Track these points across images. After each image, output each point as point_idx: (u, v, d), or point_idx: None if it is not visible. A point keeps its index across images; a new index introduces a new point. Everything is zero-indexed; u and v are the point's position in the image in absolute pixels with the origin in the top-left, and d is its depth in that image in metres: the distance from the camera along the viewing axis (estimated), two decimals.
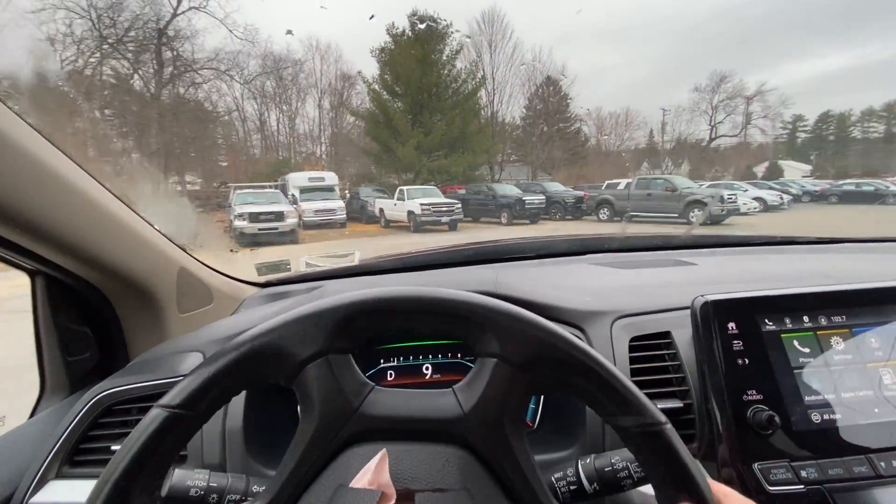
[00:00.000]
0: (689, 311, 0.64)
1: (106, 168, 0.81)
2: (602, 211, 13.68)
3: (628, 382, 0.36)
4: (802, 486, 0.54)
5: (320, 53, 23.11)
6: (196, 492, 0.42)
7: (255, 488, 0.43)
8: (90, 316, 0.79)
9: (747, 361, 0.59)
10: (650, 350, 0.67)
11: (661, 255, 1.14)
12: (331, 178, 13.85)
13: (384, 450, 0.36)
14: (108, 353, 0.82)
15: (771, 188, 16.60)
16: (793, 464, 0.55)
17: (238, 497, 0.42)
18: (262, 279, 1.10)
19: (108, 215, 0.67)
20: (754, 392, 0.58)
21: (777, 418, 0.55)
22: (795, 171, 29.80)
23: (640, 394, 0.36)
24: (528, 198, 13.03)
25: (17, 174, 0.52)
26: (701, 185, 13.96)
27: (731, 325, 0.60)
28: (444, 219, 11.47)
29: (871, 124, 53.81)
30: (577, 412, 0.64)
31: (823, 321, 0.62)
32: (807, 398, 0.58)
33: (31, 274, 0.73)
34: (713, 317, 0.60)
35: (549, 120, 27.72)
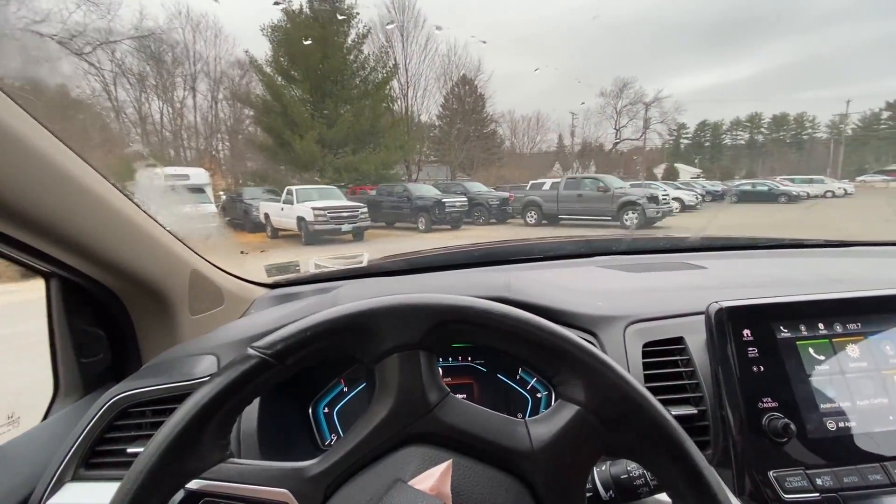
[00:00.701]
0: (701, 317, 0.66)
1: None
2: (530, 214, 13.04)
3: (714, 478, 0.36)
4: (818, 494, 0.55)
5: (192, 25, 18.69)
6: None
7: None
8: (103, 318, 0.83)
9: (762, 368, 0.60)
10: (663, 356, 0.69)
11: (669, 257, 1.19)
12: (198, 175, 10.89)
13: (451, 460, 0.37)
14: (121, 354, 0.86)
15: (678, 188, 17.55)
16: (808, 471, 0.56)
17: None
18: (272, 280, 1.13)
19: (122, 217, 0.71)
20: (770, 399, 0.59)
21: (793, 426, 0.56)
22: (686, 173, 33.58)
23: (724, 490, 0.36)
24: (448, 199, 12.05)
25: (33, 176, 0.55)
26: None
27: (746, 331, 0.62)
28: (346, 226, 10.07)
29: (738, 132, 62.03)
30: None
31: (839, 328, 0.63)
32: (822, 406, 0.59)
33: (46, 276, 0.77)
34: (728, 323, 0.62)
35: (466, 119, 27.89)
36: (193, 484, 0.38)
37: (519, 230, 12.01)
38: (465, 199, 12.38)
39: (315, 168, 16.79)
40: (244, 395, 0.38)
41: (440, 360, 0.75)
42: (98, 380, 0.83)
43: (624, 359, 0.67)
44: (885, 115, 51.92)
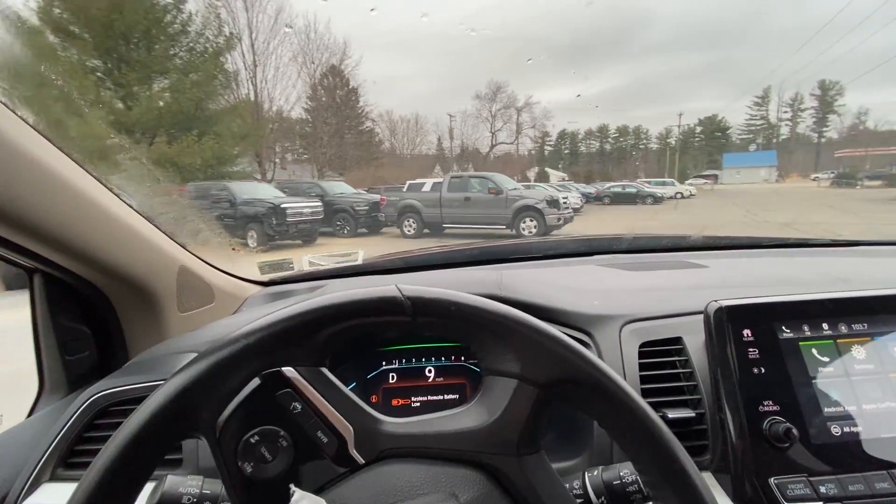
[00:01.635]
0: (701, 317, 0.66)
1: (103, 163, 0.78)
2: (407, 222, 11.06)
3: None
4: (821, 503, 0.55)
5: None
6: (189, 499, 0.43)
7: None
8: (89, 314, 0.86)
9: (763, 370, 0.60)
10: (660, 356, 0.70)
11: (670, 256, 1.20)
12: None
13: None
14: (108, 352, 0.88)
15: (559, 190, 17.58)
16: (811, 479, 0.55)
17: None
18: (265, 278, 1.15)
19: (105, 212, 0.73)
20: (771, 403, 0.58)
21: (795, 430, 0.56)
22: (555, 176, 35.99)
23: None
24: (292, 204, 9.35)
25: (12, 171, 0.57)
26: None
27: (747, 331, 0.62)
28: None
29: (591, 141, 69.70)
30: (584, 420, 0.67)
31: (844, 329, 0.63)
32: (826, 410, 0.59)
33: (29, 272, 0.80)
34: (727, 323, 0.62)
35: (337, 113, 25.42)
36: (288, 371, 0.39)
37: (396, 243, 10.38)
38: (320, 204, 10.37)
39: (107, 159, 11.50)
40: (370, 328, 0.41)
41: (433, 359, 0.79)
42: (84, 377, 0.84)
43: (619, 359, 0.67)
44: (699, 129, 61.95)
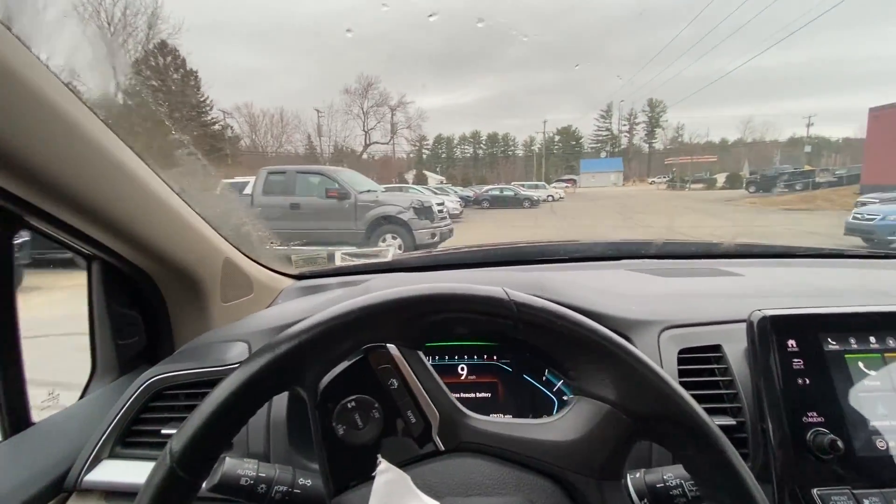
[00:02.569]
0: (740, 325, 0.66)
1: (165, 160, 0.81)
2: None
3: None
4: None
5: None
6: (246, 481, 0.44)
7: (301, 481, 0.45)
8: (140, 302, 0.90)
9: (808, 381, 0.59)
10: (699, 363, 0.69)
11: (702, 263, 1.17)
12: None
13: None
14: (155, 338, 0.92)
15: (436, 193, 15.56)
16: (854, 491, 0.55)
17: (285, 488, 0.44)
18: (299, 271, 1.17)
19: (162, 205, 0.76)
20: (815, 414, 0.58)
21: (840, 442, 0.55)
22: (434, 179, 35.16)
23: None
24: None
25: (82, 164, 0.60)
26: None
27: (791, 342, 0.61)
28: None
29: (464, 147, 71.42)
30: None
31: (892, 343, 0.62)
32: (871, 423, 0.58)
33: (88, 259, 0.84)
34: (772, 332, 0.61)
35: (170, 101, 21.16)
36: (392, 348, 0.42)
37: None
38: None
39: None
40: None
41: (465, 357, 0.80)
42: (133, 362, 0.88)
43: (658, 365, 0.69)
44: (557, 138, 67.55)
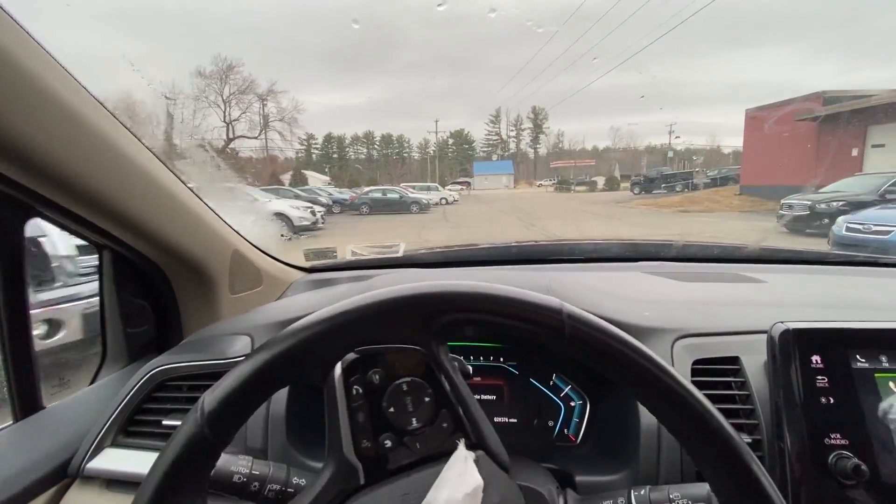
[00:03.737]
0: (760, 336, 0.62)
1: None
2: None
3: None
4: None
5: None
6: (239, 478, 0.44)
7: (295, 480, 0.45)
8: (150, 292, 0.91)
9: (832, 400, 0.56)
10: (715, 375, 0.66)
11: (722, 268, 1.12)
12: None
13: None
14: (164, 327, 0.93)
15: (297, 196, 14.27)
16: None
17: (278, 487, 0.44)
18: (309, 264, 1.18)
19: (172, 196, 0.77)
20: (839, 436, 0.54)
21: (865, 467, 0.52)
22: (317, 180, 33.23)
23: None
24: None
25: (92, 156, 0.61)
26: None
27: (816, 357, 0.57)
28: None
29: (357, 147, 66.31)
30: (629, 430, 0.63)
31: None
32: None
33: (99, 248, 0.85)
34: (794, 346, 0.58)
35: None
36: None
37: None
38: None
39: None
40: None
41: (471, 358, 0.78)
42: (142, 350, 0.90)
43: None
44: (451, 141, 66.24)
